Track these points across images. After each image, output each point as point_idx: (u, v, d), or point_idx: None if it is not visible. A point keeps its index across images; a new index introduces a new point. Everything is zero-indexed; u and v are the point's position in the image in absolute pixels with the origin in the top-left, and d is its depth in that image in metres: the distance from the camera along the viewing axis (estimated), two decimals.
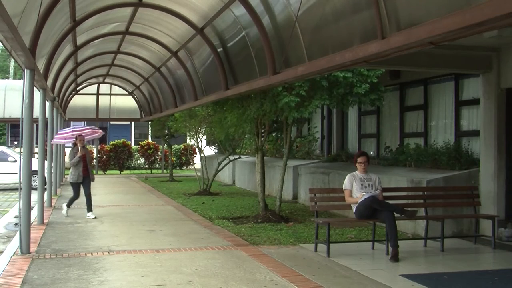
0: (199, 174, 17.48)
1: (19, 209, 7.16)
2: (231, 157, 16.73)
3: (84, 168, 10.61)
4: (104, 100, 24.94)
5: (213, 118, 13.51)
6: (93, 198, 14.28)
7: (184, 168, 28.55)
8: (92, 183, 10.94)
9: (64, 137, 11.44)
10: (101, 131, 11.97)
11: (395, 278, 6.11)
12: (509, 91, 8.70)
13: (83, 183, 10.65)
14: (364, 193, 7.47)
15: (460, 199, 8.46)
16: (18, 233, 7.56)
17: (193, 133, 17.04)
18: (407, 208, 7.69)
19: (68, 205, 10.74)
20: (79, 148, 10.61)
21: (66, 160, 23.48)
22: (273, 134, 14.20)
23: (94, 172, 10.58)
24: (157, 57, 14.74)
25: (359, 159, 7.80)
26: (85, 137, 11.48)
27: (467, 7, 4.21)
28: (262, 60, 8.47)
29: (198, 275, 6.01)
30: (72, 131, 11.23)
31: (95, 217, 10.35)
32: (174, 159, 26.80)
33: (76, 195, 10.68)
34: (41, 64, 9.14)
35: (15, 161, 17.16)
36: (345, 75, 9.25)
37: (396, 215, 7.30)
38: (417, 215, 7.77)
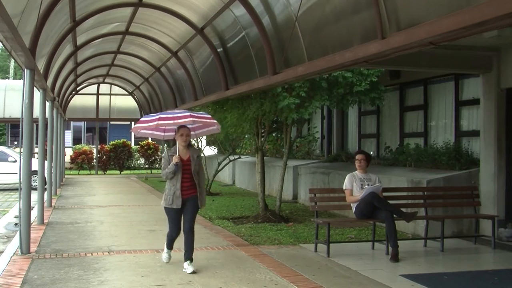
0: None
1: (19, 209, 7.15)
2: (231, 157, 16.72)
3: (186, 183, 6.29)
4: (104, 100, 24.97)
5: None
6: (92, 198, 14.44)
7: None
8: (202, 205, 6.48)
9: (146, 127, 6.52)
10: (215, 121, 6.81)
11: (395, 278, 6.11)
12: (509, 91, 8.69)
13: (183, 209, 6.33)
14: (366, 187, 7.48)
15: (460, 199, 8.45)
16: (18, 233, 7.56)
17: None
18: (406, 210, 7.69)
19: (168, 245, 6.59)
20: (177, 148, 6.33)
21: (66, 160, 23.58)
22: (273, 134, 14.20)
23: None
24: (157, 57, 14.75)
25: (356, 157, 7.81)
26: (193, 132, 6.78)
27: (467, 7, 4.21)
28: (262, 60, 8.48)
29: (198, 275, 6.00)
30: (159, 119, 6.33)
31: (193, 271, 6.10)
32: None
33: (172, 228, 6.42)
34: (41, 64, 9.14)
35: (15, 161, 17.16)
36: (344, 75, 9.25)
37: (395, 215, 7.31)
38: (417, 215, 7.77)
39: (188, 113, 6.27)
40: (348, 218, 9.25)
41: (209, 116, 6.77)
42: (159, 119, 6.30)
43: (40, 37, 7.47)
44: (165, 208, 6.37)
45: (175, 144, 6.43)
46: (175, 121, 6.27)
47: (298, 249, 7.68)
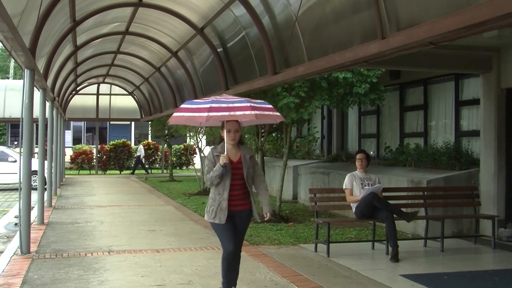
0: (199, 174, 17.47)
1: (19, 209, 7.15)
2: None
3: (237, 191, 4.86)
4: (104, 100, 24.99)
5: None
6: (92, 198, 14.45)
7: (184, 168, 28.55)
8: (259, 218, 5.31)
9: (192, 118, 4.83)
10: (278, 114, 5.04)
11: (395, 278, 6.11)
12: (509, 91, 8.70)
13: (235, 223, 4.91)
14: (367, 187, 7.48)
15: (460, 199, 8.45)
16: (18, 233, 7.56)
17: (193, 133, 17.04)
18: (406, 210, 7.68)
19: (225, 281, 5.04)
20: (225, 146, 4.85)
21: (66, 160, 23.58)
22: (273, 134, 14.21)
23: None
24: (157, 57, 14.75)
25: (357, 156, 7.81)
26: (251, 122, 5.33)
27: (467, 7, 4.21)
28: (262, 60, 8.48)
29: (198, 275, 6.01)
30: (210, 110, 4.61)
31: None
32: (174, 159, 26.81)
33: (225, 244, 4.90)
34: (41, 64, 9.14)
35: (15, 161, 17.16)
36: (345, 76, 9.24)
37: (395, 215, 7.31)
38: (417, 215, 7.77)
39: (248, 103, 4.69)
40: (348, 218, 9.25)
41: (271, 106, 5.05)
42: (210, 109, 4.61)
43: (40, 37, 7.47)
44: (211, 223, 4.94)
45: (222, 141, 4.93)
46: (231, 113, 4.63)
47: (298, 249, 7.68)
